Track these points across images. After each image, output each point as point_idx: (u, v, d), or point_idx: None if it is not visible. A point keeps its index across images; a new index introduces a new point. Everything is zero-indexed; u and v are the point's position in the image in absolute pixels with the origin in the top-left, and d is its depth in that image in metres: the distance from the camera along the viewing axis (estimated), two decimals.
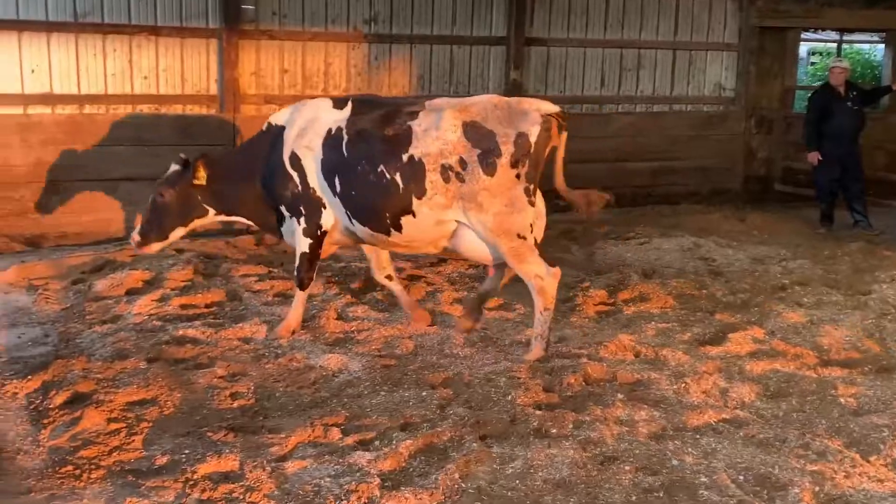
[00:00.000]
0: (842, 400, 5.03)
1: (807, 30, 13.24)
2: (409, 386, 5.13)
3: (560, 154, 5.71)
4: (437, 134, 5.48)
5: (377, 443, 4.36)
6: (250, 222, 6.44)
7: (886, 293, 7.10)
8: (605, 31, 11.54)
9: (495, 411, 4.74)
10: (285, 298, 6.95)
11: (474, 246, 5.68)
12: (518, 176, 5.44)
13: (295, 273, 6.15)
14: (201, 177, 6.08)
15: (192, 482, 3.94)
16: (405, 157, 5.52)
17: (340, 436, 4.43)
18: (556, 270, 5.65)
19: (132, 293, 7.01)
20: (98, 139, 9.05)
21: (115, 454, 4.25)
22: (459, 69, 10.94)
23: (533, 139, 5.42)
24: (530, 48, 11.18)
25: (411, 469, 4.13)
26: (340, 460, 4.15)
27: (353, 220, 5.84)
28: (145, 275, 7.39)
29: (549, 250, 8.49)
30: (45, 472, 4.10)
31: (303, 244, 6.05)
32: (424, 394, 4.97)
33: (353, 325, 6.27)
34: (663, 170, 11.88)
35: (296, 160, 5.92)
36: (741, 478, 4.08)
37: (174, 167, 6.29)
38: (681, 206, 11.60)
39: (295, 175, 5.92)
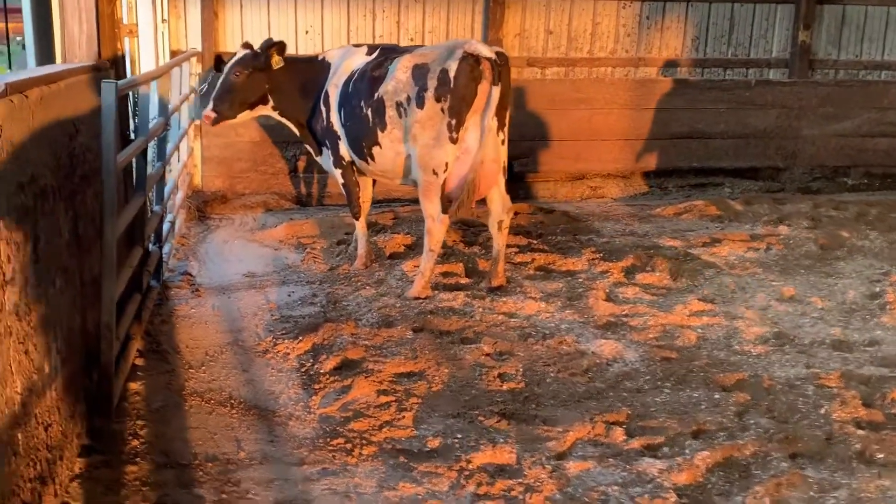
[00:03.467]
0: None
1: None
2: (697, 385, 4.54)
3: (489, 111, 5.66)
4: (395, 75, 5.96)
5: (667, 450, 3.84)
6: (296, 132, 6.84)
7: None
8: None
9: (805, 426, 4.06)
10: (547, 273, 6.57)
11: None
12: (442, 110, 5.71)
13: None
14: (278, 61, 6.45)
15: (466, 472, 3.64)
16: (375, 95, 6.06)
17: (624, 437, 3.95)
18: (445, 217, 5.91)
19: (395, 257, 6.91)
20: None
21: (385, 430, 4.05)
22: (740, 29, 9.97)
23: (452, 74, 5.65)
24: (822, 6, 9.97)
25: (710, 486, 3.58)
26: (627, 466, 3.68)
27: (351, 151, 6.40)
28: (407, 239, 7.29)
29: (844, 235, 7.59)
30: (317, 443, 3.97)
31: (336, 175, 6.70)
32: (717, 396, 4.36)
33: (624, 309, 5.74)
34: None
35: (326, 97, 6.45)
36: None
37: (243, 51, 6.56)
38: None
39: (324, 110, 6.48)
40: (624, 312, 5.68)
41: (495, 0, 9.30)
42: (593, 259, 6.80)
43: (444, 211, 5.89)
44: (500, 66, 5.69)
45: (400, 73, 5.97)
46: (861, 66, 10.15)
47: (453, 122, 5.72)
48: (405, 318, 5.48)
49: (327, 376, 4.64)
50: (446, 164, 5.80)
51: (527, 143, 9.31)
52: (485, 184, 5.94)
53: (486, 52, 5.68)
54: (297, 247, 7.43)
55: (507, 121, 5.97)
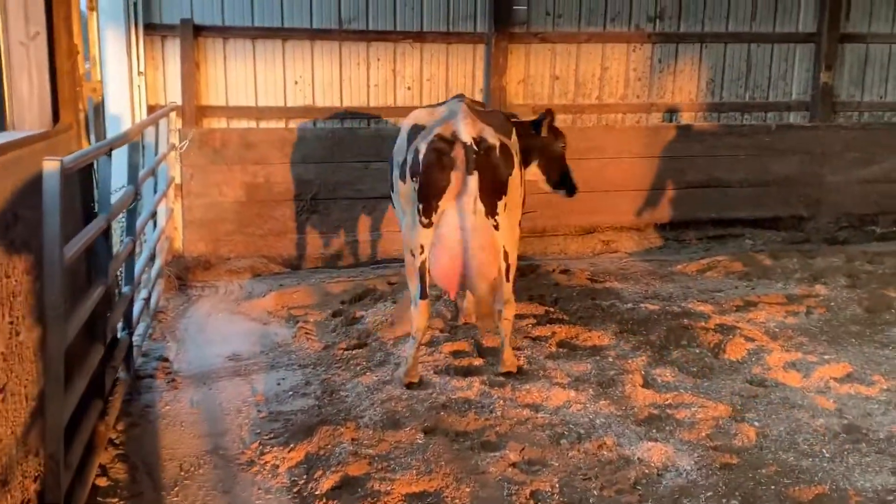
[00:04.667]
0: None
1: None
2: (770, 502, 3.78)
3: (465, 198, 4.98)
4: (400, 131, 5.66)
5: None
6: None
7: None
8: None
9: None
10: (571, 350, 5.83)
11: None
12: (414, 190, 5.15)
13: None
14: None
15: None
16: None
17: None
18: (423, 303, 5.21)
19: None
20: (359, 155, 8.41)
21: None
22: (758, 71, 9.36)
23: (420, 156, 5.07)
24: (844, 45, 9.38)
25: None
26: None
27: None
28: None
29: (891, 295, 6.89)
30: None
31: None
32: None
33: (666, 397, 4.99)
34: None
35: None
36: None
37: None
38: None
39: None
40: (667, 402, 4.92)
41: (497, 45, 8.69)
42: (621, 332, 6.07)
43: (423, 296, 5.19)
44: (479, 152, 4.95)
45: (402, 131, 5.58)
46: (886, 107, 9.56)
47: (422, 206, 5.06)
48: (414, 415, 4.71)
49: (325, 500, 3.86)
50: (421, 246, 5.12)
51: (533, 195, 8.60)
52: (477, 273, 5.14)
53: (464, 134, 4.97)
54: (287, 320, 6.68)
55: (504, 203, 5.10)
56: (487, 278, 5.18)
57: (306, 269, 8.27)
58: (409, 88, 8.71)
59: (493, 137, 5.08)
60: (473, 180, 4.94)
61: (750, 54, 9.31)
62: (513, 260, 5.28)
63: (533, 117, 6.55)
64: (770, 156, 9.19)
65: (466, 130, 5.00)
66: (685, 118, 9.33)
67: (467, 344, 5.87)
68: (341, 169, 8.38)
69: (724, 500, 3.83)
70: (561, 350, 5.83)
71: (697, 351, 5.76)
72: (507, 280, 5.26)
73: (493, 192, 5.03)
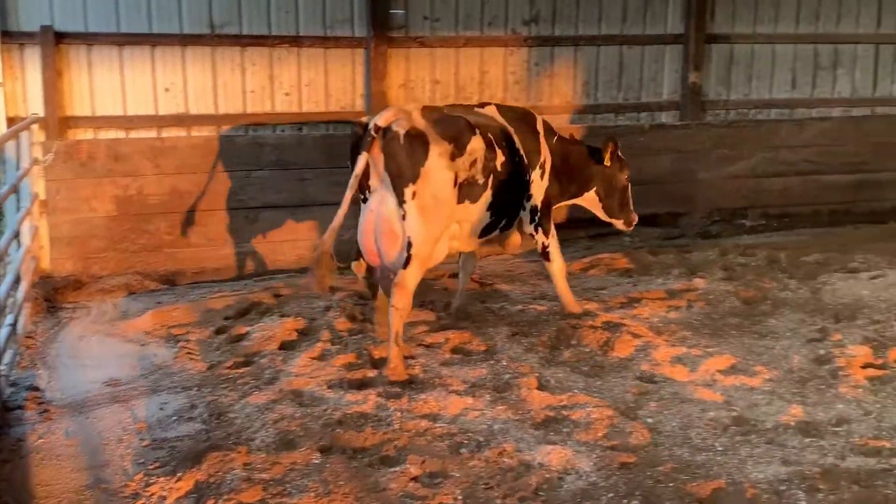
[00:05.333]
0: None
1: None
2: (670, 500, 3.83)
3: (372, 177, 5.41)
4: None
5: None
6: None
7: None
8: (797, 23, 9.97)
9: None
10: (466, 356, 5.78)
11: None
12: None
13: None
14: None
15: None
16: None
17: None
18: (354, 264, 5.85)
19: (287, 347, 5.96)
20: (237, 163, 8.14)
21: None
22: (630, 72, 9.60)
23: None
24: (711, 46, 9.74)
25: None
26: None
27: None
28: (298, 323, 6.36)
29: (765, 286, 7.18)
30: None
31: None
32: None
33: (562, 399, 4.99)
34: (866, 183, 10.20)
35: None
36: None
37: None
38: (889, 225, 9.90)
39: None
40: (562, 403, 4.93)
41: (376, 50, 8.58)
42: (512, 335, 6.07)
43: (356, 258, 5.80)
44: (377, 138, 5.30)
45: None
46: (751, 104, 9.98)
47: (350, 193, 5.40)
48: (308, 434, 4.54)
49: None
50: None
51: None
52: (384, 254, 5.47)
53: (373, 122, 5.35)
54: (167, 339, 6.37)
55: (413, 191, 5.30)
56: (390, 258, 5.43)
57: (185, 285, 7.93)
58: (287, 94, 8.49)
59: (402, 128, 5.27)
60: (361, 159, 5.27)
61: (622, 56, 9.54)
62: (416, 252, 5.31)
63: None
64: (645, 156, 9.40)
65: (377, 119, 5.34)
66: (562, 120, 9.45)
67: (359, 355, 5.73)
68: (220, 179, 8.08)
69: (624, 501, 3.85)
70: (455, 356, 5.77)
71: (587, 350, 5.82)
72: (404, 267, 5.31)
73: (395, 177, 5.28)
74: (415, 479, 4.07)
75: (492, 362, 5.59)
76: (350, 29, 8.59)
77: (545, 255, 6.48)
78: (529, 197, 6.32)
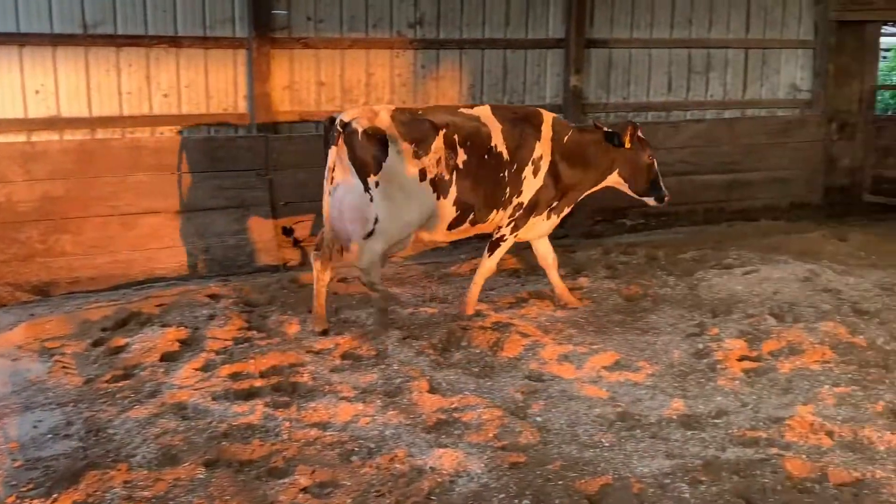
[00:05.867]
0: None
1: (886, 23, 12.05)
2: (559, 497, 3.89)
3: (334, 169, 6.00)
4: None
5: None
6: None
7: None
8: (671, 29, 10.34)
9: None
10: (355, 361, 5.73)
11: None
12: None
13: None
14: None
15: None
16: None
17: None
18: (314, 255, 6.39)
19: (169, 359, 5.76)
20: (113, 168, 7.82)
21: None
22: (514, 76, 9.73)
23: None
24: (591, 50, 9.97)
25: None
26: None
27: None
28: (181, 333, 6.16)
29: (645, 283, 7.42)
30: None
31: None
32: None
33: (453, 401, 5.00)
34: (738, 182, 10.67)
35: None
36: None
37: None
38: (760, 222, 10.41)
39: None
40: (453, 406, 4.93)
41: (259, 51, 8.40)
42: (403, 338, 6.05)
43: (316, 248, 6.36)
44: (338, 130, 5.91)
45: None
46: (630, 107, 10.27)
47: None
48: (193, 448, 4.39)
49: None
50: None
51: (307, 203, 8.43)
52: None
53: (339, 118, 5.96)
54: (41, 353, 6.04)
55: (376, 181, 5.93)
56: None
57: (60, 296, 7.54)
58: (165, 96, 8.21)
59: (361, 125, 5.86)
60: (331, 151, 5.95)
61: (506, 60, 9.66)
62: (382, 227, 5.94)
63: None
64: None
65: (344, 115, 5.95)
66: None
67: (246, 364, 5.59)
68: (94, 184, 7.74)
69: (515, 501, 3.89)
70: (346, 362, 5.71)
71: (477, 351, 5.87)
72: (367, 238, 5.98)
73: (358, 168, 5.89)
74: (304, 489, 4.00)
75: (382, 367, 5.56)
76: (231, 29, 8.38)
77: (492, 246, 6.76)
78: (515, 193, 6.52)
